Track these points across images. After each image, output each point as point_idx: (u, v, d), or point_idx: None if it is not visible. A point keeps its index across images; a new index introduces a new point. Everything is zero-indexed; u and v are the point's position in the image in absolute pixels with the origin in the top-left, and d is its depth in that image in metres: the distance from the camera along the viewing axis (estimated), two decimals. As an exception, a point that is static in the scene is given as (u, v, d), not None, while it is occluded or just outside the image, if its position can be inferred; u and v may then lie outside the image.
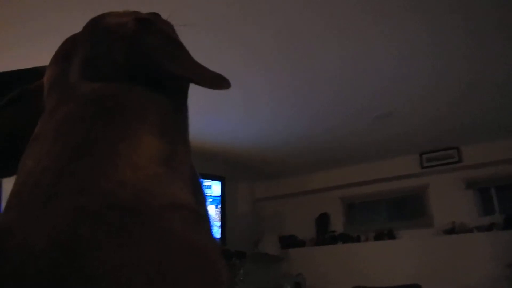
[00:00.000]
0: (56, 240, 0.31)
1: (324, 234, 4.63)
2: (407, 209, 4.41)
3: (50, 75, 0.53)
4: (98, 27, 0.53)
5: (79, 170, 0.37)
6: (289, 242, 4.72)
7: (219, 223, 4.01)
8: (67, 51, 0.54)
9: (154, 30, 0.50)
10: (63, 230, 0.32)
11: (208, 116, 3.27)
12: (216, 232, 3.94)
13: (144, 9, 0.61)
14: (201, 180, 0.51)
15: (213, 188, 4.09)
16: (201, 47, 2.02)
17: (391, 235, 4.26)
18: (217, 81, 0.47)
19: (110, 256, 0.31)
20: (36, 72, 0.60)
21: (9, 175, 0.53)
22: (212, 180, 4.06)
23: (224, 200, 4.11)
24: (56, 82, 0.51)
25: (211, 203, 4.00)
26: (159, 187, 0.38)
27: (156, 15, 0.60)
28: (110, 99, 0.45)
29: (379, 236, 4.31)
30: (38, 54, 2.11)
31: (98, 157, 0.39)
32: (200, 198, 0.46)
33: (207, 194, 3.94)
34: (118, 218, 0.33)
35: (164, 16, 0.62)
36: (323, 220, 4.71)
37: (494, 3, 1.98)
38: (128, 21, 0.51)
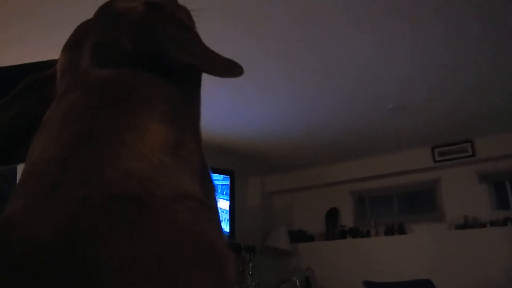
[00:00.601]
0: (58, 232, 0.31)
1: (334, 229, 4.62)
2: (418, 203, 4.36)
3: (62, 62, 0.53)
4: (108, 13, 0.52)
5: (84, 160, 0.37)
6: (298, 236, 4.72)
7: (228, 217, 4.02)
8: (79, 37, 0.53)
9: (163, 15, 0.49)
10: (66, 223, 0.31)
11: (218, 109, 3.27)
12: (225, 226, 3.95)
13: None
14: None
15: (223, 182, 4.09)
16: (216, 36, 2.01)
17: (401, 230, 4.22)
18: (227, 69, 0.45)
19: (111, 250, 0.30)
20: (49, 65, 0.59)
21: (22, 161, 0.53)
22: (221, 174, 4.06)
23: (233, 194, 4.11)
24: (67, 69, 0.51)
25: (220, 197, 4.01)
26: (164, 176, 0.38)
27: (172, 0, 0.59)
28: (117, 87, 0.44)
29: (389, 231, 4.27)
30: (51, 47, 2.12)
31: (103, 146, 0.38)
32: (209, 189, 0.44)
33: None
34: (121, 210, 0.33)
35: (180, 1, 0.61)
36: (332, 215, 4.70)
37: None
38: (138, 6, 0.50)
